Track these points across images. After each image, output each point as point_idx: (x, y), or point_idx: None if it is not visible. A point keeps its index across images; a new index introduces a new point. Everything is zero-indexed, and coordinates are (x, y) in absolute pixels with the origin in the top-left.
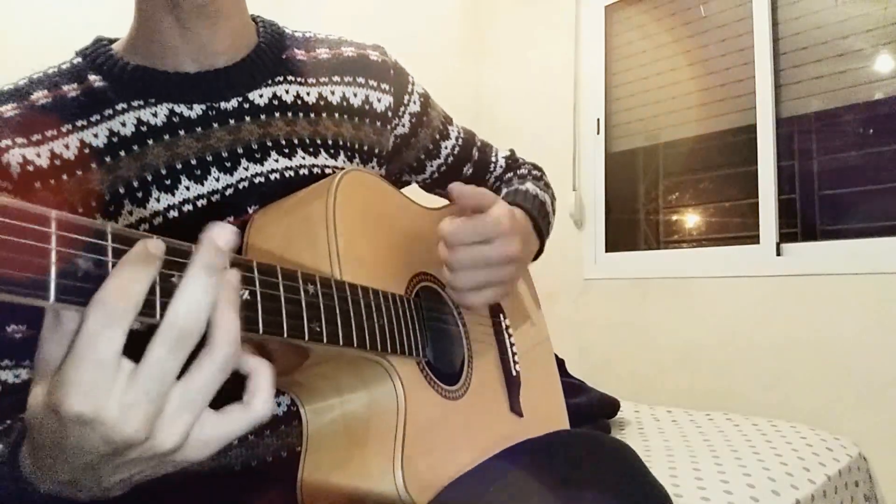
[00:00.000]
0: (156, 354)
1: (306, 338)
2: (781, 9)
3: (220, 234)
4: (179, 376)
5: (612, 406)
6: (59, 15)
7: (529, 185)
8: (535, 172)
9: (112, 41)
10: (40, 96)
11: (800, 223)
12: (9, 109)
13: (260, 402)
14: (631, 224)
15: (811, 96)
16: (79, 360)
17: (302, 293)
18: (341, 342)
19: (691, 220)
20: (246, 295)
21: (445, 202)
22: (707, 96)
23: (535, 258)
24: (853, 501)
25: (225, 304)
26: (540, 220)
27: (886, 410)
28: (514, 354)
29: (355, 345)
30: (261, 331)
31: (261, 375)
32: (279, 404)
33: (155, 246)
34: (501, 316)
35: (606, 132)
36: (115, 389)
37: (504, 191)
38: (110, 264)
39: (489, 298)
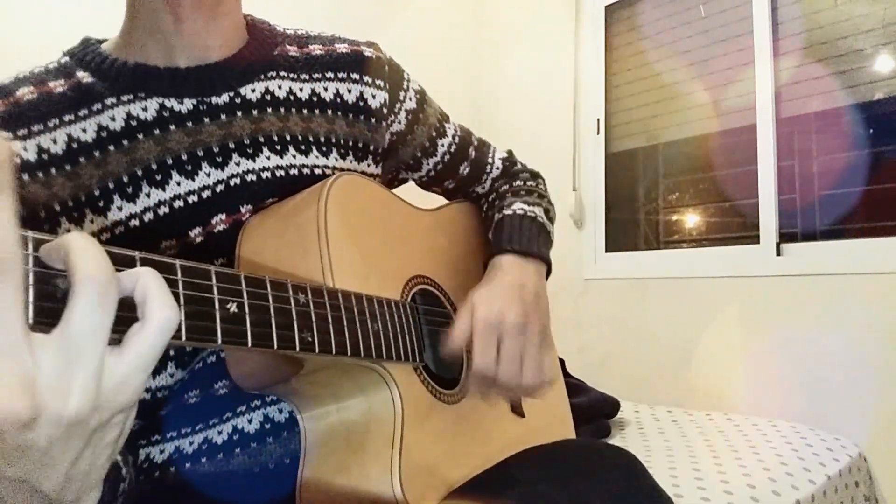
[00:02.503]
0: (79, 312)
1: (297, 348)
2: (781, 9)
3: None
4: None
5: (612, 406)
6: (52, 19)
7: (517, 206)
8: (529, 183)
9: (101, 41)
10: (25, 92)
11: (800, 223)
12: None
13: (156, 307)
14: (631, 224)
15: (811, 96)
16: None
17: (292, 303)
18: (334, 351)
19: (691, 220)
20: (234, 308)
21: (442, 202)
22: (707, 96)
23: (548, 275)
24: (853, 501)
25: (70, 238)
26: (533, 245)
27: (886, 410)
28: None
29: (349, 353)
30: (250, 343)
31: (144, 278)
32: (280, 411)
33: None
34: None
35: (606, 132)
36: (42, 364)
37: (495, 218)
38: None
39: (541, 362)
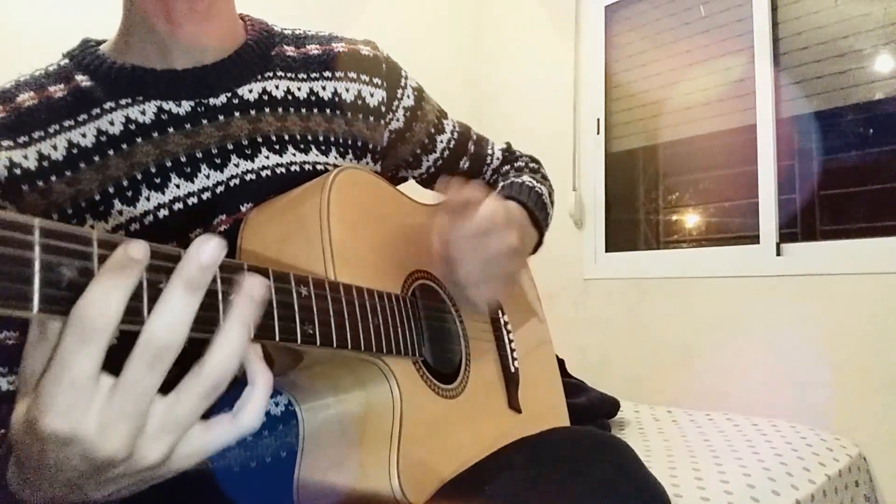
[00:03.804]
0: (133, 372)
1: (299, 341)
2: (781, 9)
3: (205, 250)
4: (167, 391)
5: (612, 406)
6: (50, 19)
7: (526, 178)
8: (532, 165)
9: (99, 42)
10: (26, 98)
11: (800, 223)
12: None
13: (248, 415)
14: (631, 224)
15: (811, 96)
16: (55, 380)
17: (294, 295)
18: (335, 344)
19: (691, 220)
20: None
21: (443, 198)
22: (707, 96)
23: (535, 251)
24: (853, 501)
25: (233, 322)
26: (537, 212)
27: (886, 410)
28: (512, 351)
29: (349, 346)
30: (252, 336)
31: (257, 387)
32: (277, 404)
33: (137, 250)
34: (500, 312)
35: (606, 132)
36: (92, 408)
37: (500, 184)
38: (96, 271)
39: (494, 292)
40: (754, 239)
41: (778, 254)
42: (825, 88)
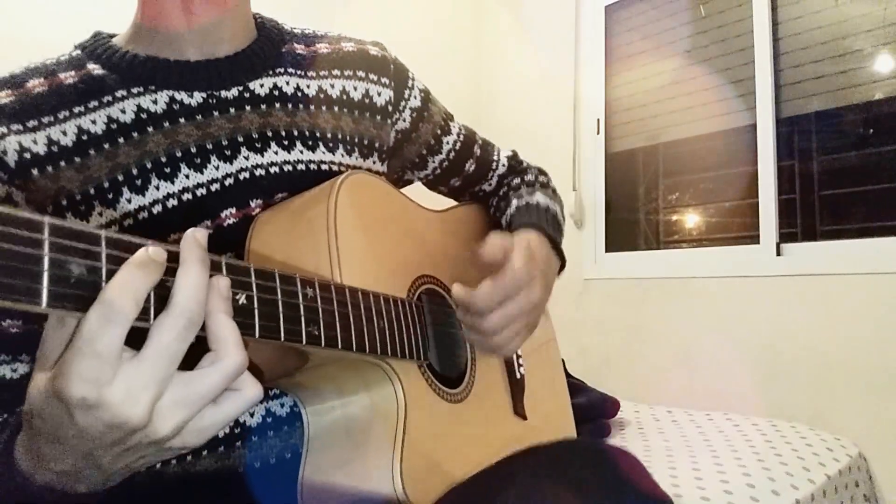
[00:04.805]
0: (165, 339)
1: (304, 342)
2: (781, 9)
3: (199, 235)
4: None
5: (612, 406)
6: (61, 16)
7: (539, 197)
8: (541, 178)
9: (112, 36)
10: (36, 84)
11: (800, 223)
12: (3, 97)
13: (250, 387)
14: (631, 224)
15: (811, 96)
16: (79, 354)
17: (300, 297)
18: (340, 346)
19: (691, 220)
20: (243, 299)
21: (449, 203)
22: (707, 96)
23: (560, 272)
24: (853, 501)
25: (221, 312)
26: (557, 237)
27: (886, 410)
28: (518, 357)
29: (354, 348)
30: (257, 335)
31: (225, 325)
32: (282, 405)
33: (156, 253)
34: None
35: (606, 132)
36: (119, 376)
37: (514, 203)
38: (104, 270)
39: (515, 346)
40: (754, 239)
41: (778, 254)
42: (825, 88)
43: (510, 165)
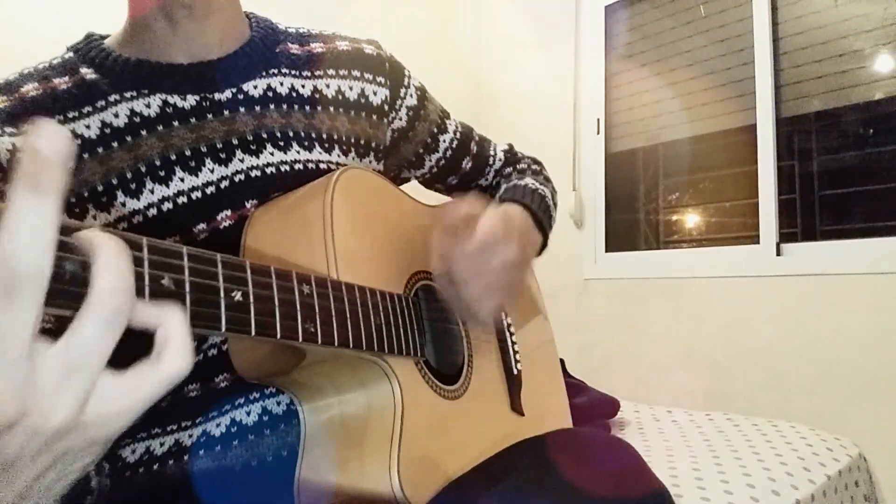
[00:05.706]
0: None
1: (300, 339)
2: (781, 9)
3: (48, 136)
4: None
5: (612, 406)
6: (55, 15)
7: (528, 180)
8: (534, 167)
9: (104, 37)
10: (30, 88)
11: (800, 223)
12: None
13: (171, 356)
14: (631, 224)
15: (811, 96)
16: None
17: (296, 293)
18: (336, 343)
19: (691, 220)
20: (238, 296)
21: (445, 198)
22: (707, 96)
23: (539, 253)
24: (853, 501)
25: (101, 243)
26: (540, 213)
27: (886, 410)
28: (515, 353)
29: (351, 345)
30: (253, 332)
31: (171, 323)
32: (278, 403)
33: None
34: (503, 315)
35: (606, 132)
36: None
37: (503, 186)
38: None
39: (496, 307)
40: (754, 239)
41: (778, 254)
42: (825, 88)
43: (506, 159)
